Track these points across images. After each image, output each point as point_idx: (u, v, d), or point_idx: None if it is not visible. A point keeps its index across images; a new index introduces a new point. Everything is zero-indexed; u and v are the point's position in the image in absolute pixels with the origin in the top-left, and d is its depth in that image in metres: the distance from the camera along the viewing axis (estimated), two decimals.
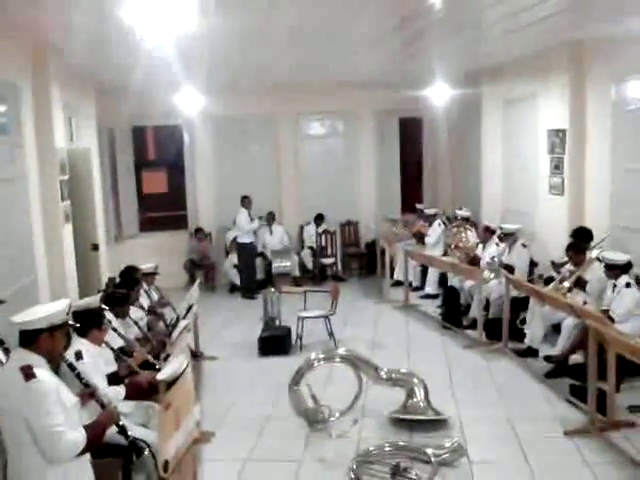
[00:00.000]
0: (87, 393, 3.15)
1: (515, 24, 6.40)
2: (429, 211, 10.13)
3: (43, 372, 2.80)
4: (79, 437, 2.81)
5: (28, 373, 2.73)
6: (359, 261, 11.47)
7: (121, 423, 3.08)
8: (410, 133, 12.09)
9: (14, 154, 5.63)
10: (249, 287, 9.95)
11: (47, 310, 2.91)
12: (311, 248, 10.88)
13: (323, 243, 10.90)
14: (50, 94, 6.32)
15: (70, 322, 3.13)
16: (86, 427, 2.89)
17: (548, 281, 6.70)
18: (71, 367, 2.98)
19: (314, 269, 10.81)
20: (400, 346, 7.17)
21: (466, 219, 9.18)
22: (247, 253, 10.00)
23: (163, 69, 7.22)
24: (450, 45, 7.73)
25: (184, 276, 10.52)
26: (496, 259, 7.65)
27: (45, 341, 2.86)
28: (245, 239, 9.92)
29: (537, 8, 5.70)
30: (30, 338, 2.85)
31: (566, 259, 6.75)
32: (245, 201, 9.88)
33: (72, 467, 2.85)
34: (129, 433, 3.13)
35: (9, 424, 2.80)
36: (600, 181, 7.35)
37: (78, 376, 3.02)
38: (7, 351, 3.48)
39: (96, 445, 2.96)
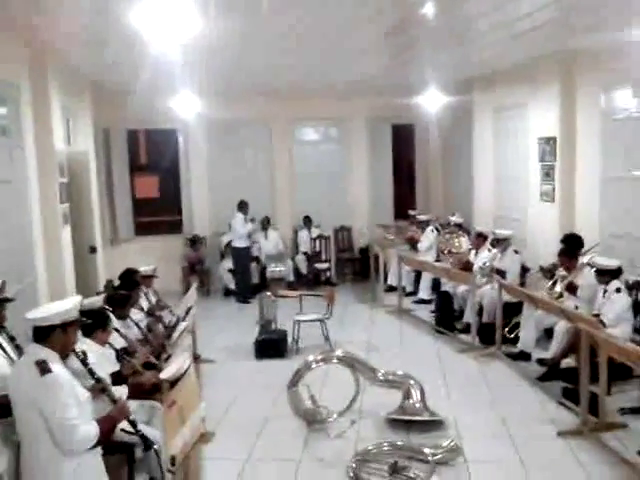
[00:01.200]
0: (98, 388, 3.21)
1: (506, 34, 6.56)
2: (422, 217, 10.24)
3: (58, 367, 2.87)
4: (92, 430, 2.88)
5: (44, 368, 2.80)
6: (352, 266, 11.58)
7: (131, 418, 3.13)
8: (402, 139, 12.22)
9: (14, 156, 5.68)
10: (244, 291, 10.01)
11: (60, 307, 2.97)
12: (305, 253, 10.98)
13: (317, 248, 11.02)
14: (49, 95, 6.38)
15: (82, 319, 3.19)
16: (98, 421, 2.96)
17: (551, 275, 6.75)
18: (84, 362, 3.04)
19: (308, 274, 10.90)
20: (394, 350, 7.26)
21: (459, 225, 9.30)
22: (242, 257, 10.06)
23: (160, 72, 7.27)
24: (442, 53, 7.86)
25: (179, 280, 10.56)
26: (488, 264, 7.76)
27: (58, 337, 2.93)
28: (240, 243, 9.98)
29: (528, 19, 5.87)
30: (44, 334, 2.92)
31: (554, 263, 6.87)
32: (242, 206, 9.95)
33: (85, 459, 2.92)
34: (138, 427, 3.19)
35: (24, 417, 2.86)
36: (590, 188, 7.50)
37: (90, 371, 3.09)
38: (18, 347, 3.53)
39: (108, 439, 3.04)
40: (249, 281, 10.28)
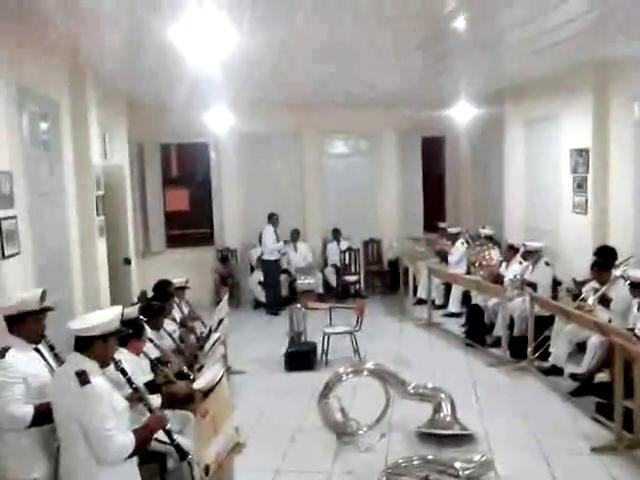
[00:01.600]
0: (136, 397, 3.29)
1: (538, 45, 6.53)
2: (452, 230, 10.21)
3: (97, 378, 2.93)
4: (128, 441, 2.94)
5: (83, 379, 2.86)
6: (382, 279, 11.57)
7: (167, 427, 3.19)
8: (433, 152, 12.21)
9: (54, 169, 5.85)
10: (274, 303, 10.08)
11: (102, 317, 3.05)
12: (334, 265, 11.02)
13: (346, 261, 11.04)
14: (87, 110, 6.56)
15: (122, 330, 3.27)
16: (135, 431, 3.02)
17: (576, 297, 6.72)
18: (123, 372, 3.11)
19: (337, 286, 10.93)
20: (424, 363, 7.22)
21: (489, 237, 9.25)
22: (272, 270, 10.14)
23: (194, 86, 7.42)
24: (473, 65, 7.88)
25: (210, 292, 10.68)
26: (518, 277, 7.69)
27: (99, 347, 3.00)
28: (270, 256, 10.07)
29: (560, 29, 5.84)
30: (85, 343, 2.99)
31: (588, 277, 6.79)
32: (272, 218, 10.05)
33: (122, 469, 2.98)
34: (174, 437, 3.24)
35: (63, 424, 2.93)
36: (623, 200, 7.40)
37: (129, 381, 3.15)
38: (57, 356, 3.63)
39: (144, 448, 3.10)
40: (279, 293, 10.36)
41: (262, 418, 5.80)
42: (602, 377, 6.00)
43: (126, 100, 8.82)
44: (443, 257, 10.03)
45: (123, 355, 4.12)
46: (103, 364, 3.04)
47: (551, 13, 5.35)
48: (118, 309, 3.19)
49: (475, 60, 7.54)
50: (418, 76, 8.47)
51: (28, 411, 3.19)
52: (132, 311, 4.58)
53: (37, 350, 3.53)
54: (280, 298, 10.28)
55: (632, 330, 5.64)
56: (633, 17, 5.60)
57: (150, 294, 6.52)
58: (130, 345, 4.25)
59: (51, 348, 3.63)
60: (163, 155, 11.33)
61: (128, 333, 4.07)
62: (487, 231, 9.40)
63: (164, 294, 5.93)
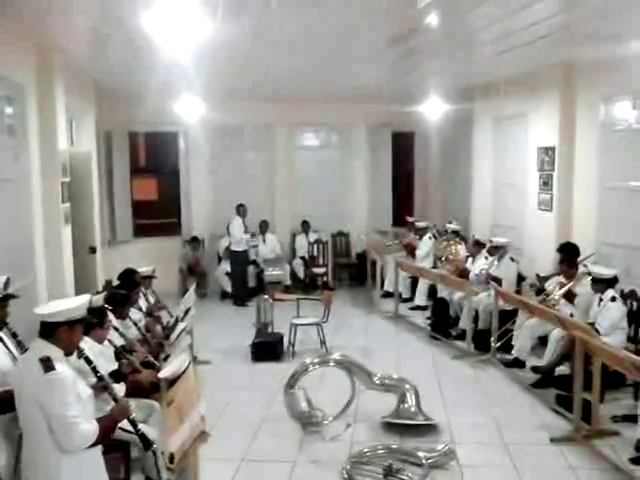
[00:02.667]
0: (101, 386, 3.26)
1: (508, 45, 6.62)
2: (420, 224, 10.29)
3: (61, 365, 2.90)
4: (92, 429, 2.92)
5: (48, 365, 2.83)
6: (349, 271, 11.64)
7: (132, 417, 3.17)
8: (402, 147, 12.28)
9: (19, 155, 5.73)
10: (241, 294, 10.05)
11: (69, 304, 3.01)
12: (303, 258, 11.04)
13: (314, 253, 11.07)
14: (54, 96, 6.42)
15: (88, 317, 3.23)
16: (99, 420, 2.99)
17: (540, 291, 6.85)
18: (87, 360, 3.08)
19: (305, 278, 10.96)
20: (390, 355, 7.30)
21: (456, 232, 9.36)
22: (240, 261, 10.12)
23: (164, 75, 7.33)
24: (443, 62, 7.95)
25: (176, 281, 10.60)
26: (483, 272, 7.82)
27: (64, 334, 2.97)
28: (238, 247, 10.03)
29: (530, 30, 5.93)
30: (50, 330, 2.96)
31: (552, 272, 6.93)
32: (240, 209, 10.01)
33: (85, 457, 2.96)
34: (138, 427, 3.22)
35: (26, 411, 2.89)
36: (587, 198, 7.58)
37: (94, 369, 3.12)
38: (20, 344, 3.58)
39: (108, 437, 3.07)
40: (246, 284, 10.34)
41: (228, 408, 5.79)
42: (562, 370, 6.16)
43: (95, 87, 8.66)
44: (410, 251, 10.12)
45: (86, 343, 4.05)
46: (68, 351, 3.01)
47: (520, 14, 5.42)
48: (86, 297, 3.16)
49: (445, 57, 7.61)
50: (389, 71, 8.52)
51: None
52: (97, 299, 4.52)
53: None
54: (247, 289, 10.27)
55: (592, 324, 5.79)
56: (599, 21, 5.72)
57: (116, 283, 6.44)
58: (93, 333, 4.19)
59: (14, 335, 3.57)
60: (131, 144, 11.18)
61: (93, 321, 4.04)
62: (454, 226, 9.50)
63: (130, 283, 5.86)
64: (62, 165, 6.55)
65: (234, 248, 10.05)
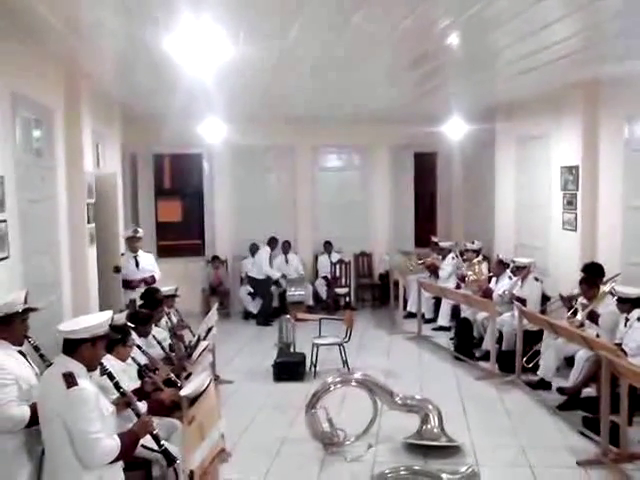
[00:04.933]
0: (124, 402, 3.28)
1: (529, 64, 6.62)
2: (444, 244, 10.25)
3: (84, 380, 2.93)
4: (114, 445, 2.93)
5: (70, 381, 2.86)
6: (372, 292, 11.60)
7: (155, 432, 3.18)
8: (424, 167, 12.29)
9: (46, 176, 5.86)
10: (265, 314, 10.09)
11: (91, 321, 3.05)
12: (325, 278, 11.04)
13: (337, 273, 11.05)
14: (80, 119, 6.59)
15: (111, 334, 3.27)
16: (121, 435, 3.01)
17: (569, 309, 6.72)
18: (110, 376, 3.10)
19: (327, 298, 10.94)
20: (413, 376, 7.23)
21: (477, 252, 9.29)
22: (262, 283, 10.24)
23: (188, 98, 7.48)
24: (466, 83, 7.97)
25: (199, 302, 10.66)
26: (507, 292, 7.73)
27: (87, 350, 3.00)
28: (259, 276, 10.25)
29: (552, 49, 5.93)
30: (73, 346, 2.99)
31: (575, 292, 6.82)
32: (272, 242, 10.29)
33: (106, 474, 2.96)
34: (162, 442, 3.22)
35: (48, 426, 2.92)
36: (612, 217, 7.48)
37: (116, 385, 3.14)
38: (42, 357, 3.62)
39: (130, 453, 3.08)
40: (270, 304, 10.37)
41: (249, 428, 5.78)
42: (589, 391, 6.03)
43: (120, 109, 8.86)
44: (433, 271, 10.07)
45: (108, 361, 4.10)
46: (90, 368, 3.04)
47: (541, 34, 5.43)
48: (108, 313, 3.20)
49: (467, 77, 7.64)
50: (411, 93, 8.56)
51: (25, 410, 3.19)
52: (120, 317, 4.57)
53: (21, 352, 3.52)
54: (271, 309, 10.29)
55: (619, 345, 5.68)
56: (624, 37, 5.70)
57: (139, 302, 6.51)
58: (115, 351, 4.23)
59: (36, 349, 3.62)
60: (156, 166, 11.38)
61: (115, 339, 4.08)
62: (475, 246, 9.44)
63: (153, 301, 5.92)
64: (88, 186, 6.68)
65: (253, 275, 10.25)
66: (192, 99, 7.62)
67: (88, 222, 6.70)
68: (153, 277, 7.59)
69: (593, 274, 6.67)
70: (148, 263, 7.68)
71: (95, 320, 3.05)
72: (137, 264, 7.57)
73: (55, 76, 6.20)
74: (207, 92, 7.10)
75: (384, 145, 11.67)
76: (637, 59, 6.31)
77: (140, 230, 7.84)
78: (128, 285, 7.47)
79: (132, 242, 7.64)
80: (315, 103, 9.34)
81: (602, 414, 4.93)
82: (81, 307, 6.28)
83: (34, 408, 3.14)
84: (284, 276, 10.52)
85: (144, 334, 5.24)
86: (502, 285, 8.06)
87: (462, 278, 9.09)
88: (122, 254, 7.66)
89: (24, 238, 5.13)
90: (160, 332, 5.64)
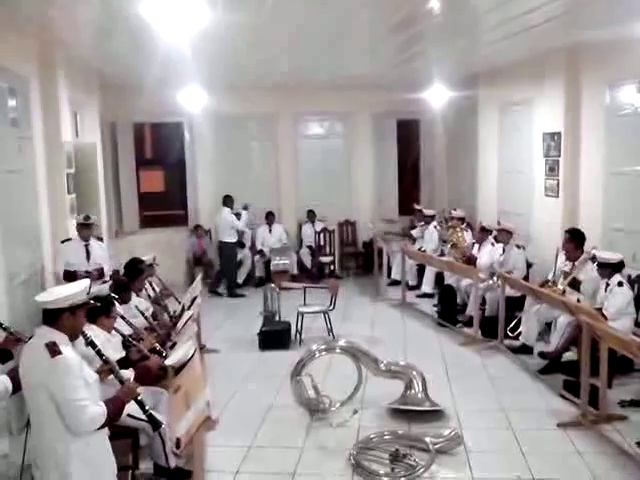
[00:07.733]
0: (107, 369, 3.28)
1: (512, 29, 6.57)
2: (427, 211, 10.27)
3: (67, 349, 2.93)
4: (100, 411, 2.94)
5: (54, 350, 2.85)
6: (356, 260, 11.64)
7: (139, 398, 3.19)
8: (408, 135, 12.23)
9: (23, 146, 5.75)
10: (229, 283, 10.07)
11: (68, 290, 3.03)
12: (309, 247, 11.05)
13: (321, 242, 11.07)
14: (57, 88, 6.47)
15: (90, 302, 3.25)
16: (106, 402, 3.02)
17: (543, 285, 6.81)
18: (92, 344, 3.10)
19: (312, 267, 10.97)
20: (397, 342, 7.30)
21: (461, 219, 9.33)
22: (228, 253, 10.05)
23: (168, 65, 7.34)
24: (448, 48, 7.90)
25: (184, 273, 10.63)
26: (496, 265, 7.75)
27: (67, 319, 2.98)
28: (229, 238, 9.96)
29: (533, 14, 5.88)
30: (53, 316, 2.97)
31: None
32: (227, 200, 10.01)
33: (93, 440, 2.98)
34: (147, 408, 3.24)
35: (34, 397, 2.92)
36: (594, 183, 7.52)
37: (99, 353, 3.14)
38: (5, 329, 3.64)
39: (115, 419, 3.09)
40: (232, 271, 10.22)
41: (236, 395, 5.83)
42: (570, 355, 6.15)
43: (99, 78, 8.68)
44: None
45: (93, 331, 4.08)
46: (72, 337, 3.03)
47: None
48: (85, 282, 3.17)
49: (450, 43, 7.56)
50: (392, 59, 8.47)
51: (5, 379, 3.20)
52: (103, 288, 4.55)
53: None
54: (233, 276, 10.20)
55: (600, 310, 5.77)
56: (603, 3, 5.66)
57: (123, 273, 6.46)
58: (100, 323, 4.23)
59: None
60: (137, 136, 11.20)
61: (97, 307, 4.06)
62: (458, 213, 9.47)
63: (134, 271, 5.89)
64: (67, 156, 6.58)
65: (224, 239, 9.98)
66: (171, 66, 7.48)
67: (68, 192, 6.61)
68: (102, 270, 6.39)
69: (576, 238, 6.72)
70: (99, 255, 6.47)
71: (73, 289, 3.03)
72: (88, 255, 6.32)
73: (29, 44, 6.06)
74: (186, 59, 6.96)
75: (366, 112, 11.57)
76: (618, 24, 6.27)
77: (93, 217, 6.61)
78: (71, 278, 5.80)
79: (83, 230, 6.36)
80: (296, 70, 9.22)
81: (582, 377, 5.03)
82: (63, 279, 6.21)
83: (12, 376, 3.15)
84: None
85: (125, 301, 5.21)
86: (485, 252, 8.11)
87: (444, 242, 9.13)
88: (66, 240, 6.37)
89: (2, 210, 5.05)
90: (142, 302, 5.62)
